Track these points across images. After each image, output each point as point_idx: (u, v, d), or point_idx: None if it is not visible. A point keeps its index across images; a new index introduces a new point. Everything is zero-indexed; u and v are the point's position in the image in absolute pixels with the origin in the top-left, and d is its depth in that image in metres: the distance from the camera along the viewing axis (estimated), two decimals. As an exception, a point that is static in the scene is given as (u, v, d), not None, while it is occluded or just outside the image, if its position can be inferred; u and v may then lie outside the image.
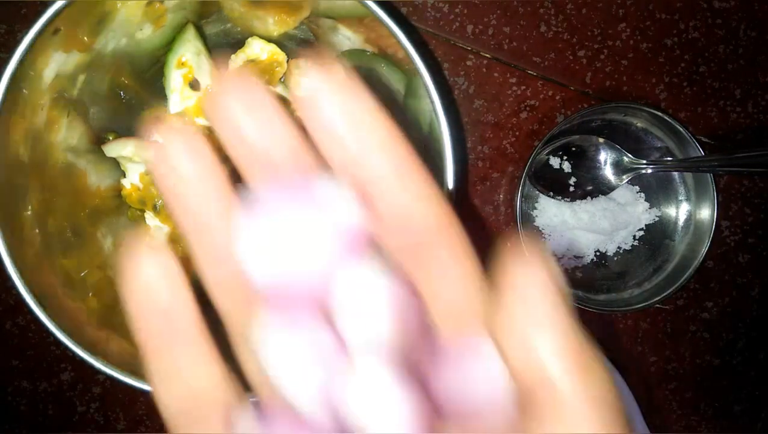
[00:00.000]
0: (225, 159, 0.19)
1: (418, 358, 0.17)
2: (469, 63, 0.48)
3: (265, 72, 0.42)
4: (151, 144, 0.18)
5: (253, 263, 0.17)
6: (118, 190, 0.44)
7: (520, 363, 0.14)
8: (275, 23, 0.42)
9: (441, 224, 0.17)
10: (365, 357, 0.16)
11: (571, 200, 0.47)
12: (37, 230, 0.36)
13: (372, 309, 0.16)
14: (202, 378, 0.18)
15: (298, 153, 0.17)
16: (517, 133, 0.48)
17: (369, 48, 0.41)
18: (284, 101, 0.45)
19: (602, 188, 0.46)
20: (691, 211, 0.47)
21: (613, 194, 0.47)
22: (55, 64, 0.35)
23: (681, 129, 0.44)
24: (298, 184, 0.17)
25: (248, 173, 0.18)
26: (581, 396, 0.14)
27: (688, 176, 0.47)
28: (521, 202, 0.44)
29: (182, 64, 0.42)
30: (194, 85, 0.43)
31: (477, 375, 0.16)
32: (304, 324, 0.17)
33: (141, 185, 0.43)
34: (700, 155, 0.44)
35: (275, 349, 0.17)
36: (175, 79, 0.42)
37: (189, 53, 0.42)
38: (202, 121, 0.42)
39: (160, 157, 0.18)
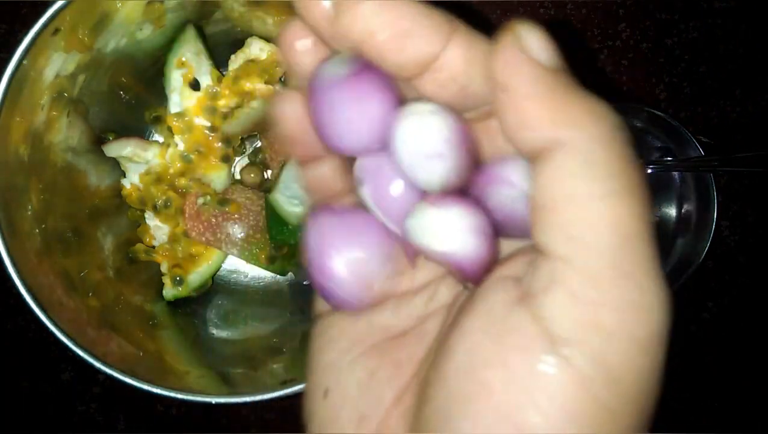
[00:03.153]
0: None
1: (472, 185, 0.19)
2: (469, 63, 0.48)
3: (265, 72, 0.42)
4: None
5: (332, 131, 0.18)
6: (118, 190, 0.44)
7: (529, 145, 0.16)
8: (275, 23, 0.42)
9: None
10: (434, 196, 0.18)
11: (571, 200, 0.47)
12: (37, 230, 0.36)
13: (434, 144, 0.17)
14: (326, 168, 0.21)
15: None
16: (517, 133, 0.48)
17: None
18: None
19: (602, 188, 0.46)
20: (691, 211, 0.47)
21: (613, 194, 0.47)
22: (55, 64, 0.36)
23: (681, 129, 0.44)
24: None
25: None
26: (579, 139, 0.15)
27: (688, 176, 0.47)
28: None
29: (182, 64, 0.42)
30: (194, 85, 0.43)
31: (517, 198, 0.18)
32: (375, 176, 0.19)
33: (141, 185, 0.43)
34: (700, 155, 0.44)
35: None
36: (175, 79, 0.42)
37: (189, 53, 0.42)
38: (201, 120, 0.42)
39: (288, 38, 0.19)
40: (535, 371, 0.14)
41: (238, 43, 0.43)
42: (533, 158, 0.16)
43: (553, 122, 0.15)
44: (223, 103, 0.42)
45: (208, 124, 0.42)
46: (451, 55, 0.16)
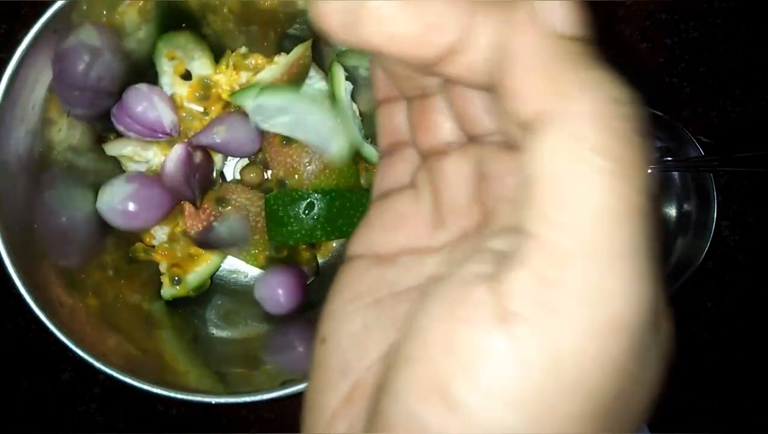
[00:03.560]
0: None
1: None
2: (469, 63, 0.48)
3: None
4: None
5: None
6: (118, 190, 0.44)
7: (520, 116, 0.14)
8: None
9: None
10: None
11: (571, 200, 0.47)
12: (37, 230, 0.36)
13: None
14: None
15: None
16: (517, 133, 0.48)
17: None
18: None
19: (602, 188, 0.46)
20: (691, 211, 0.47)
21: (613, 194, 0.47)
22: (55, 64, 0.36)
23: (681, 129, 0.44)
24: None
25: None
26: (568, 113, 0.13)
27: (688, 176, 0.47)
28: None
29: (173, 57, 0.42)
30: (185, 76, 0.43)
31: None
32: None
33: (141, 185, 0.43)
34: (700, 155, 0.44)
35: None
36: (165, 63, 0.42)
37: (180, 49, 0.42)
38: (195, 106, 0.42)
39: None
40: (478, 344, 0.14)
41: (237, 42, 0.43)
42: (524, 131, 0.14)
43: (543, 92, 0.14)
44: (225, 80, 0.42)
45: (201, 109, 0.42)
46: (478, 32, 0.15)
